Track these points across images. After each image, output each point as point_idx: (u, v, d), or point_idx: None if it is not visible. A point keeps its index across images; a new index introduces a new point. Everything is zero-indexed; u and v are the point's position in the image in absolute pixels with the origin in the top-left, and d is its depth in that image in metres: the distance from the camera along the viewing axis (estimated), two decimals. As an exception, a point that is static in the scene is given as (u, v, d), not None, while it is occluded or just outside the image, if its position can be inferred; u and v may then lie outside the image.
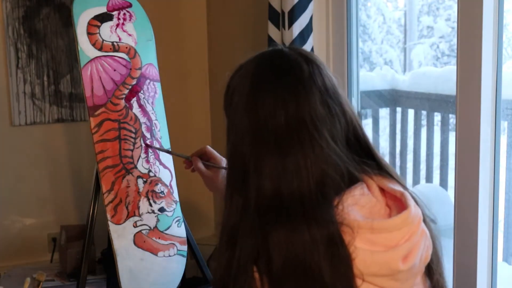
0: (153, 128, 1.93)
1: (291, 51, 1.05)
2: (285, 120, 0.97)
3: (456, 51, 1.49)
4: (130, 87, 1.89)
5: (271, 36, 1.92)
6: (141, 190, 1.87)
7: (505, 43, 1.76)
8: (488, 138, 1.46)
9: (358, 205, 0.97)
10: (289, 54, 1.03)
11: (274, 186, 0.95)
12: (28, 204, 2.59)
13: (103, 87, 1.83)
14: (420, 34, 2.72)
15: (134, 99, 1.90)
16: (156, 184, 1.91)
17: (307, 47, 1.86)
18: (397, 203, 0.99)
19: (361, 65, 2.27)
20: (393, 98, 2.62)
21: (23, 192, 2.58)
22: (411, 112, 2.59)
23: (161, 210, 1.91)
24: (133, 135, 1.87)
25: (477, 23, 1.42)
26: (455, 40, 1.52)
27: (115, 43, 1.88)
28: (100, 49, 1.85)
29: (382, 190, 1.01)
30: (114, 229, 1.80)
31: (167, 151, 1.92)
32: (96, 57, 1.84)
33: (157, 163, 1.93)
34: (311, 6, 1.86)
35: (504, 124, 1.98)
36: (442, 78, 2.36)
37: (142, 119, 1.90)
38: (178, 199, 1.97)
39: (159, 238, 1.89)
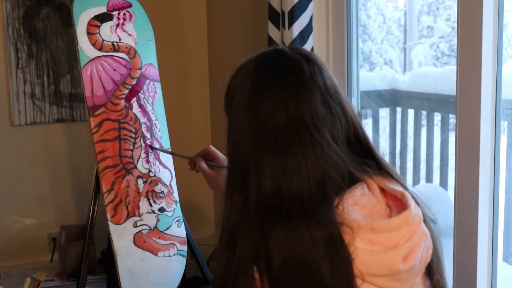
0: (153, 128, 1.93)
1: (292, 51, 1.05)
2: (286, 120, 0.97)
3: (456, 51, 1.49)
4: (130, 87, 1.89)
5: (271, 36, 1.92)
6: (141, 190, 1.87)
7: (505, 43, 1.76)
8: (488, 138, 1.46)
9: (358, 205, 0.97)
10: (290, 54, 1.03)
11: (275, 186, 0.95)
12: (28, 204, 2.59)
13: (103, 87, 1.83)
14: (420, 34, 2.72)
15: (134, 99, 1.90)
16: (156, 184, 1.91)
17: (307, 47, 1.86)
18: (397, 203, 0.99)
19: (361, 65, 2.27)
20: (393, 98, 2.62)
21: (23, 192, 2.58)
22: (411, 112, 2.59)
23: (161, 210, 1.91)
24: (133, 135, 1.87)
25: (477, 23, 1.42)
26: (455, 40, 1.52)
27: (115, 43, 1.88)
28: (100, 49, 1.85)
29: (383, 190, 1.01)
30: (114, 229, 1.80)
31: (171, 153, 1.92)
32: (96, 57, 1.84)
33: (157, 163, 1.93)
34: (311, 6, 1.86)
35: (504, 124, 1.98)
36: (442, 78, 2.36)
37: (142, 119, 1.90)
38: (178, 199, 1.97)
39: (159, 238, 1.89)
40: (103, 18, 1.87)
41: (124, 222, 1.82)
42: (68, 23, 2.54)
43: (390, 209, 1.00)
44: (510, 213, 1.99)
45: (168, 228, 1.92)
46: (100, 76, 1.83)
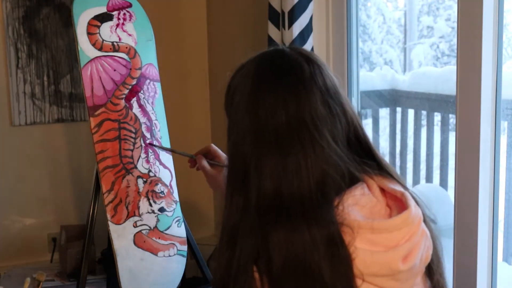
0: (153, 128, 1.93)
1: (292, 51, 1.05)
2: (286, 120, 0.97)
3: (456, 51, 1.49)
4: (130, 87, 1.89)
5: (271, 36, 1.92)
6: (141, 190, 1.87)
7: (505, 43, 1.76)
8: (488, 138, 1.46)
9: (358, 205, 0.97)
10: (290, 54, 1.03)
11: (275, 186, 0.95)
12: (28, 204, 2.59)
13: (103, 87, 1.83)
14: (420, 34, 2.72)
15: (134, 99, 1.90)
16: (156, 184, 1.91)
17: (307, 47, 1.86)
18: (397, 203, 0.99)
19: (361, 65, 2.27)
20: (393, 98, 2.62)
21: (23, 192, 2.58)
22: (411, 112, 2.59)
23: (161, 210, 1.91)
24: (133, 135, 1.87)
25: (477, 23, 1.42)
26: (455, 40, 1.52)
27: (115, 43, 1.88)
28: (100, 49, 1.85)
29: (383, 190, 1.01)
30: (114, 229, 1.80)
31: (172, 150, 1.92)
32: (96, 57, 1.84)
33: (157, 163, 1.93)
34: (311, 6, 1.86)
35: (504, 124, 1.98)
36: (442, 78, 2.36)
37: (142, 119, 1.90)
38: (178, 199, 1.97)
39: (159, 238, 1.89)
40: (103, 18, 1.87)
41: (124, 222, 1.82)
42: (68, 23, 2.54)
43: (390, 209, 1.00)
44: (510, 213, 1.99)
45: (168, 228, 1.92)
46: (100, 76, 1.83)
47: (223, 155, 1.50)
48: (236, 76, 1.05)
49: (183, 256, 1.95)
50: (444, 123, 2.42)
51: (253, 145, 0.99)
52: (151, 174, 1.90)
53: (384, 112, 2.67)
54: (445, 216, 1.74)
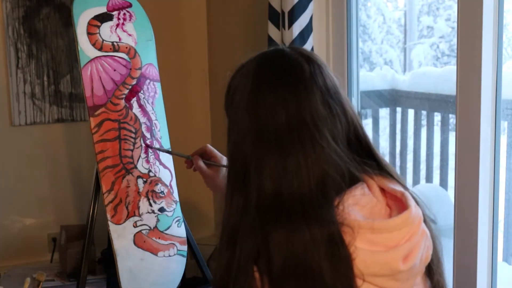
0: (153, 128, 1.93)
1: (292, 51, 1.05)
2: (286, 120, 0.97)
3: (456, 51, 1.50)
4: (130, 87, 1.89)
5: (271, 36, 1.92)
6: (141, 190, 1.87)
7: (505, 43, 1.76)
8: (488, 138, 1.46)
9: (358, 205, 0.97)
10: (290, 54, 1.03)
11: (275, 186, 0.95)
12: (28, 204, 2.59)
13: (103, 87, 1.83)
14: (420, 34, 2.72)
15: (134, 99, 1.90)
16: (156, 184, 1.91)
17: (307, 47, 1.86)
18: (397, 203, 0.99)
19: (361, 65, 2.27)
20: (393, 98, 2.62)
21: (23, 192, 2.58)
22: (411, 112, 2.59)
23: (161, 210, 1.91)
24: (133, 135, 1.87)
25: (477, 23, 1.42)
26: (455, 40, 1.52)
27: (115, 43, 1.88)
28: (100, 49, 1.85)
29: (383, 190, 1.01)
30: (114, 229, 1.80)
31: (168, 151, 1.92)
32: (96, 57, 1.84)
33: (157, 163, 1.93)
34: (311, 6, 1.86)
35: (504, 124, 1.98)
36: (442, 78, 2.36)
37: (142, 119, 1.90)
38: (178, 199, 1.97)
39: (159, 238, 1.89)
40: (103, 18, 1.87)
41: (124, 222, 1.82)
42: (68, 23, 2.54)
43: (390, 209, 1.00)
44: (510, 213, 1.99)
45: (168, 228, 1.92)
46: (100, 76, 1.83)
47: (219, 155, 1.50)
48: (236, 76, 1.05)
49: (183, 256, 1.96)
50: (444, 123, 2.42)
51: (253, 145, 0.98)
52: (151, 174, 1.90)
53: (384, 112, 2.67)
54: (445, 216, 1.74)
